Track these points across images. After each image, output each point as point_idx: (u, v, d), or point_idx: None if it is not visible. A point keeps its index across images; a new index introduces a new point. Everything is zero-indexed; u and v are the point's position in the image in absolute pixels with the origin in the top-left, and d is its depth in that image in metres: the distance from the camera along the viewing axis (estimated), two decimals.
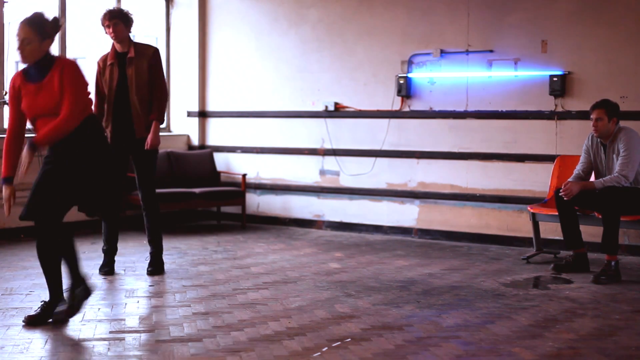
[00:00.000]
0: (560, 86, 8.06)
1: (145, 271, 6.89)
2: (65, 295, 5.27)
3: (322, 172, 9.61)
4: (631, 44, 7.81)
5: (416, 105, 8.96)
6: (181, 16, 10.46)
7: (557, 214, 7.08)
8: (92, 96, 5.42)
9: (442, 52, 8.73)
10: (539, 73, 8.22)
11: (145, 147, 6.80)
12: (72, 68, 5.13)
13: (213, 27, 10.35)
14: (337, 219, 9.50)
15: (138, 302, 5.88)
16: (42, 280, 5.84)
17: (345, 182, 9.46)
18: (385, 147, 9.14)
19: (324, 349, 4.66)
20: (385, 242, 8.70)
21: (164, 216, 8.66)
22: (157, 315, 5.48)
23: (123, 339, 4.88)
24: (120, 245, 7.34)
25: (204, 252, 7.95)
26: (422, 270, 7.06)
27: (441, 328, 5.13)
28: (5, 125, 7.20)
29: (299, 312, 5.54)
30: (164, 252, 7.27)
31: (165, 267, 7.04)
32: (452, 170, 8.75)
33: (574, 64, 8.07)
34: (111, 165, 5.34)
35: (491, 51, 8.48)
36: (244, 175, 9.78)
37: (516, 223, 8.38)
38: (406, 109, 9.01)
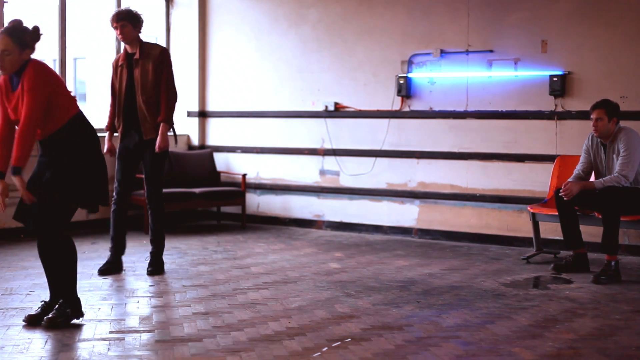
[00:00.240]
0: (560, 86, 8.06)
1: (145, 271, 6.89)
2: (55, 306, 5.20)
3: (322, 172, 9.61)
4: (631, 44, 7.81)
5: (416, 105, 8.96)
6: (181, 16, 10.46)
7: (557, 214, 7.08)
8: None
9: (442, 52, 8.73)
10: (539, 73, 8.22)
11: (156, 151, 6.80)
12: (30, 74, 4.97)
13: (213, 27, 10.35)
14: (337, 219, 9.50)
15: (138, 302, 5.87)
16: (42, 280, 5.85)
17: (345, 182, 9.46)
18: (385, 147, 9.14)
19: (324, 349, 4.66)
20: (385, 242, 8.70)
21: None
22: (157, 315, 5.48)
23: (123, 339, 4.88)
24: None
25: (204, 252, 7.95)
26: (422, 270, 7.06)
27: (441, 328, 5.13)
28: None
29: (299, 312, 5.54)
30: (164, 252, 7.26)
31: (165, 267, 7.04)
32: (452, 170, 8.75)
33: (574, 64, 8.07)
34: (102, 158, 5.26)
35: (491, 51, 8.48)
36: (244, 175, 9.78)
37: (516, 223, 8.38)
38: (406, 109, 9.01)
